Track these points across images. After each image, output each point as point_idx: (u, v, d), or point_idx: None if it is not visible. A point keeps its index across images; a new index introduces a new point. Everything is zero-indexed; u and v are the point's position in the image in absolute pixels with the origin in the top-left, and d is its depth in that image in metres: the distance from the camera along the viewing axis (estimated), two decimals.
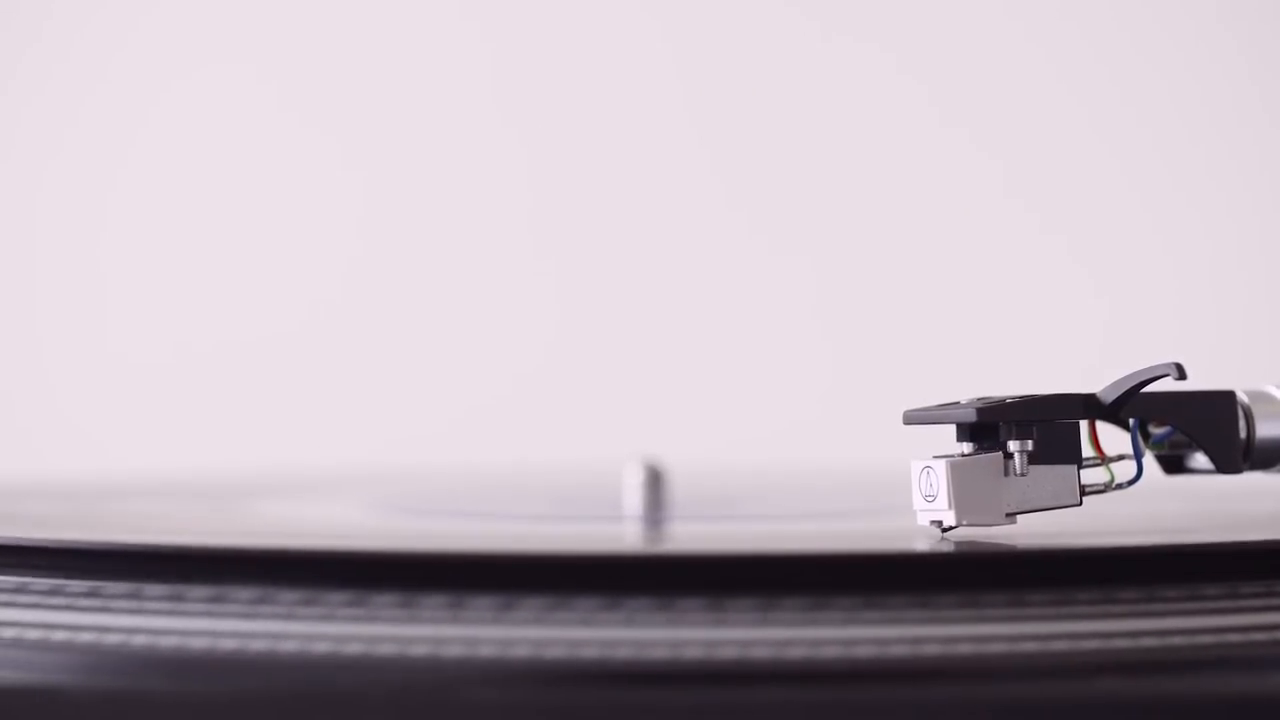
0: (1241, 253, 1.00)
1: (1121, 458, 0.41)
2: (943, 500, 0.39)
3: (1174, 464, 0.43)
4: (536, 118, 1.05)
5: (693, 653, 0.32)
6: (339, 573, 0.36)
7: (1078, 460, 0.40)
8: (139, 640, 0.33)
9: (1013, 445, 0.40)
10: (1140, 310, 1.00)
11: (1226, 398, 0.41)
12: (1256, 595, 0.36)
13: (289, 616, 0.34)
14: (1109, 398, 0.40)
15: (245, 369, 1.04)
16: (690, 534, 0.51)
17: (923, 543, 0.39)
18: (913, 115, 1.03)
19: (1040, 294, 1.01)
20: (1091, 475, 0.40)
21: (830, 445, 0.98)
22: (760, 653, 0.32)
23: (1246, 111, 1.01)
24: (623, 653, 0.32)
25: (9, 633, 0.34)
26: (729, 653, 0.32)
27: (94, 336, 1.05)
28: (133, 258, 1.05)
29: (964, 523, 0.39)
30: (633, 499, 0.56)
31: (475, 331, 1.04)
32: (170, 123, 1.05)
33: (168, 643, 0.33)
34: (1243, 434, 0.41)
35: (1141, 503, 0.49)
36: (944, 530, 0.40)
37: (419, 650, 0.32)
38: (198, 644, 0.33)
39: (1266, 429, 0.41)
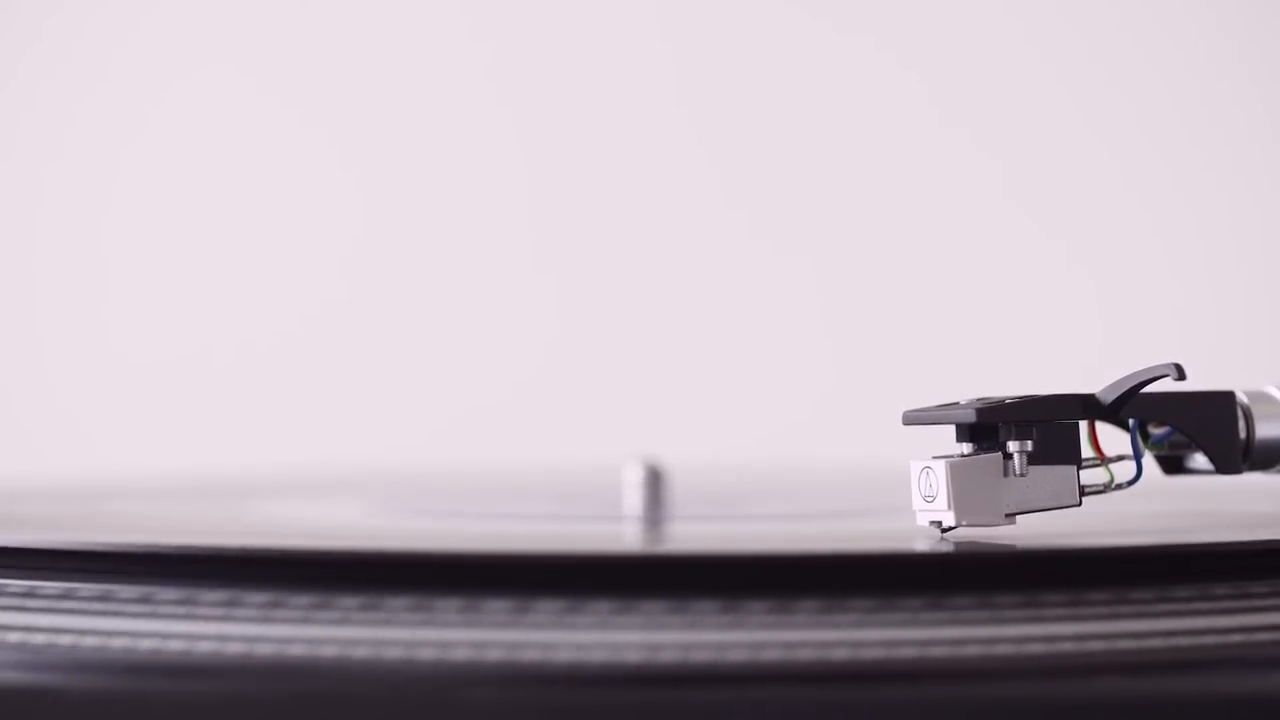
0: (1241, 253, 1.00)
1: (1121, 458, 0.41)
2: (942, 501, 0.39)
3: (1173, 464, 0.43)
4: (535, 118, 1.05)
5: (702, 655, 0.32)
6: (345, 574, 0.36)
7: (1077, 461, 0.40)
8: (139, 642, 0.33)
9: (1012, 446, 0.40)
10: (1139, 311, 1.00)
11: (1226, 398, 0.41)
12: (1256, 595, 0.37)
13: (300, 620, 0.34)
14: (1108, 398, 0.40)
15: (246, 370, 1.04)
16: (695, 534, 0.51)
17: (929, 544, 0.40)
18: (912, 115, 1.03)
19: (1040, 294, 1.01)
20: (1091, 476, 0.40)
21: (830, 445, 0.98)
22: (771, 655, 0.32)
23: (1246, 111, 1.01)
24: (632, 655, 0.32)
25: (10, 635, 0.34)
26: (739, 655, 0.32)
27: (95, 337, 1.05)
28: (134, 258, 1.05)
29: (963, 523, 0.39)
30: (633, 499, 0.56)
31: (475, 331, 1.04)
32: (169, 122, 1.05)
33: (168, 644, 0.33)
34: (1242, 434, 0.41)
35: (1141, 503, 0.49)
36: (943, 531, 0.40)
37: (393, 653, 0.32)
38: (199, 645, 0.33)
39: (1266, 429, 0.41)
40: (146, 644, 0.33)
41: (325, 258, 1.05)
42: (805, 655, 0.32)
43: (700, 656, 0.32)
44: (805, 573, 0.36)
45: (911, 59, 1.03)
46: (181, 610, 0.35)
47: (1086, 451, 0.40)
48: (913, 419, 0.41)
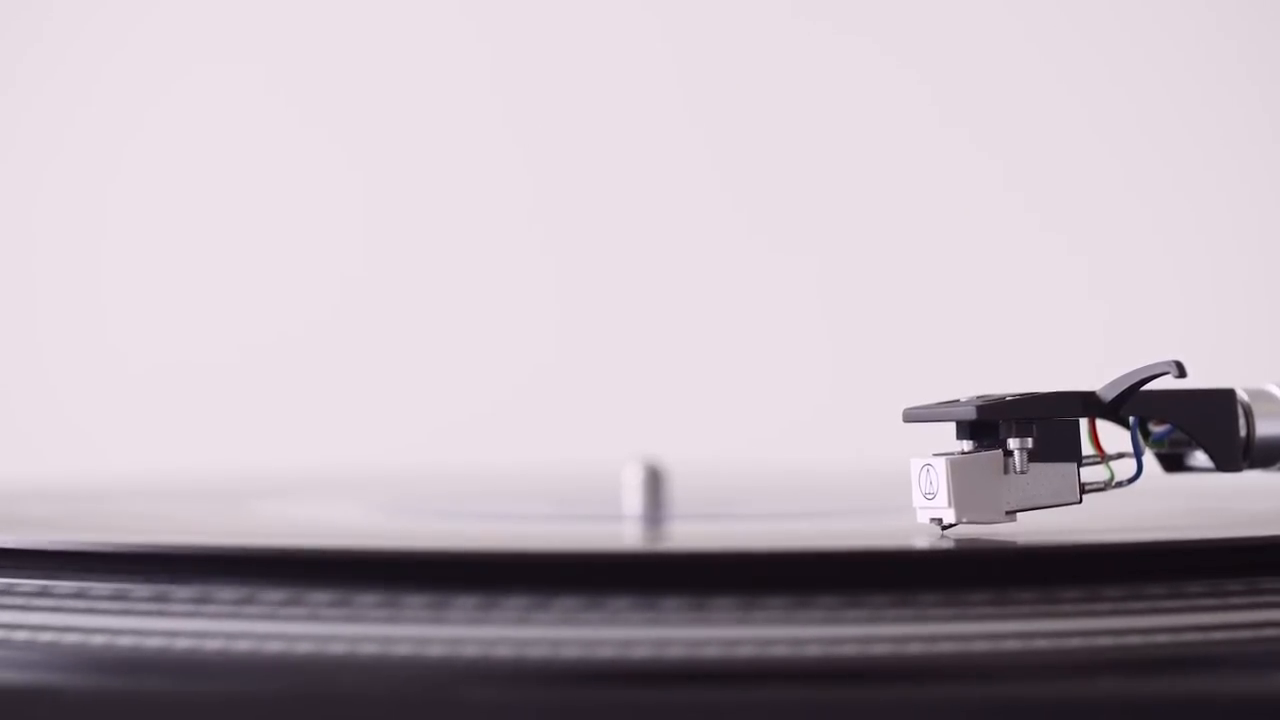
0: (1242, 251, 1.00)
1: (1121, 456, 0.41)
2: (942, 498, 0.39)
3: (1174, 462, 0.43)
4: (535, 118, 1.05)
5: (675, 651, 0.32)
6: (327, 573, 0.36)
7: (1078, 458, 0.40)
8: (140, 641, 0.33)
9: (1013, 443, 0.40)
10: (1140, 308, 1.00)
11: (1226, 396, 0.41)
12: (1254, 593, 0.36)
13: (268, 616, 0.34)
14: (1109, 396, 0.40)
15: (247, 372, 1.04)
16: (675, 532, 0.51)
17: (911, 540, 0.40)
18: (913, 115, 1.03)
19: (1040, 292, 1.01)
20: (1091, 473, 0.40)
21: (830, 444, 0.98)
22: (743, 651, 0.32)
23: (1247, 111, 1.01)
24: (605, 651, 0.32)
25: (9, 634, 0.34)
26: (711, 651, 0.32)
27: (95, 338, 1.05)
28: (134, 259, 1.05)
29: (964, 520, 0.39)
30: (632, 499, 0.56)
31: (475, 332, 1.04)
32: (170, 123, 1.05)
33: (168, 643, 0.33)
34: (1242, 432, 0.41)
35: (1141, 501, 0.49)
36: (944, 528, 0.40)
37: (402, 650, 0.32)
38: (199, 645, 0.33)
39: (1266, 427, 0.41)
40: (151, 642, 0.33)
41: (327, 260, 1.05)
42: (813, 652, 0.32)
43: (710, 653, 0.32)
44: (807, 570, 0.36)
45: (912, 59, 1.03)
46: (185, 609, 0.35)
47: (1087, 449, 0.40)
48: (913, 416, 0.41)
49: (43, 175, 1.05)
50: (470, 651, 0.32)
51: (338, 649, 0.32)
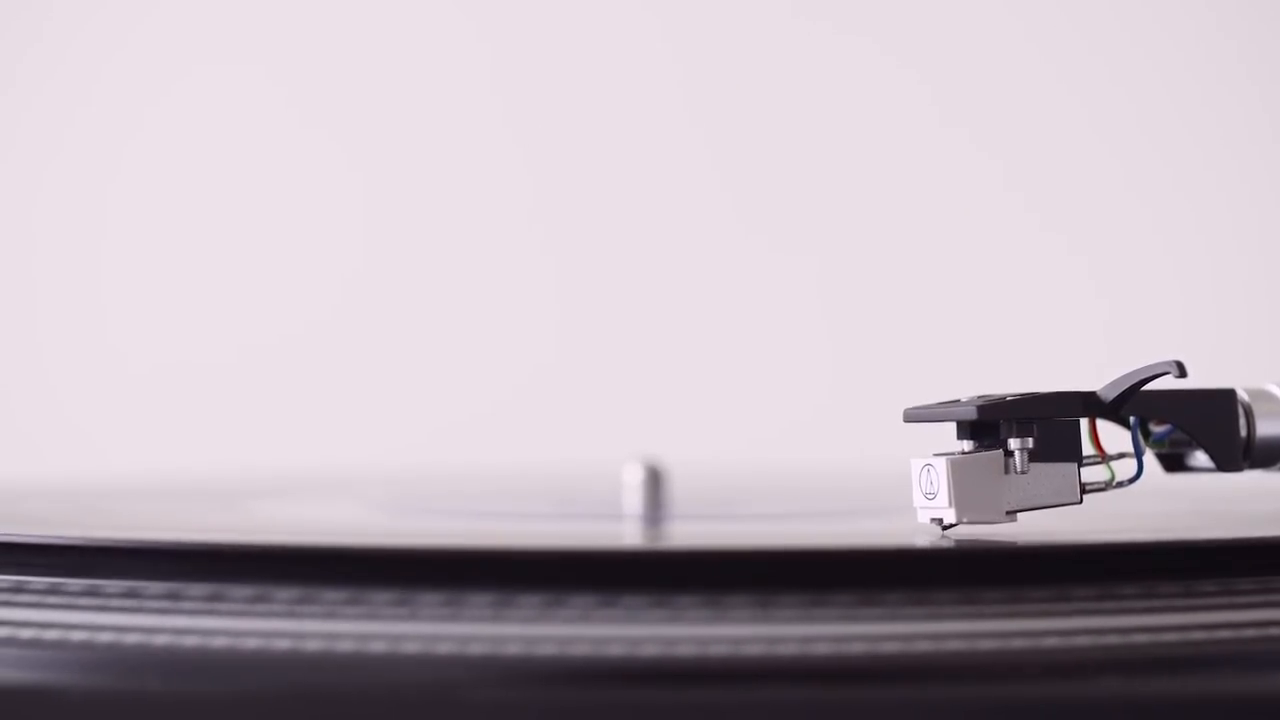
0: (1242, 251, 1.00)
1: (1122, 456, 0.41)
2: (943, 498, 0.39)
3: (1174, 462, 0.43)
4: (535, 118, 1.05)
5: (686, 650, 0.32)
6: (338, 570, 0.36)
7: (1078, 458, 0.40)
8: (139, 640, 0.33)
9: (1013, 443, 0.40)
10: (1141, 308, 1.00)
11: (1227, 396, 0.41)
12: (1254, 592, 0.37)
13: (287, 615, 0.34)
14: (1109, 396, 0.40)
15: (248, 372, 1.04)
16: (686, 532, 0.51)
17: (918, 539, 0.40)
18: (913, 115, 1.03)
19: (1041, 292, 1.01)
20: (1092, 473, 0.40)
21: (830, 444, 0.98)
22: (753, 650, 0.32)
23: (1247, 111, 1.01)
24: (615, 649, 0.32)
25: (9, 632, 0.34)
26: (721, 650, 0.32)
27: (96, 338, 1.05)
28: (135, 259, 1.05)
29: (964, 520, 0.39)
30: (633, 499, 0.56)
31: (475, 332, 1.04)
32: (170, 123, 1.05)
33: (168, 642, 0.33)
34: (1243, 432, 0.41)
35: (1141, 501, 0.49)
36: (944, 528, 0.40)
37: (411, 648, 0.32)
38: (199, 644, 0.33)
39: (1267, 427, 0.41)
40: (139, 640, 0.33)
41: (327, 260, 1.05)
42: (823, 650, 0.32)
43: (720, 651, 0.32)
44: (797, 569, 0.36)
45: (912, 59, 1.03)
46: (182, 608, 0.35)
47: (1087, 449, 0.40)
48: (914, 416, 0.41)
49: (43, 175, 1.05)
50: (481, 650, 0.32)
51: (345, 647, 0.32)
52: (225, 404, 1.03)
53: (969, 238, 1.02)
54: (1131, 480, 0.41)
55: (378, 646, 0.32)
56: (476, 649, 0.32)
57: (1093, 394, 0.40)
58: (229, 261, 1.05)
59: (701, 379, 1.03)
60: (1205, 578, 0.37)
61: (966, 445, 0.40)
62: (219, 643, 0.33)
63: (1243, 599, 0.36)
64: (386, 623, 0.33)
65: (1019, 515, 0.40)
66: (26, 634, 0.34)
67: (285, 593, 0.35)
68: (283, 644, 0.33)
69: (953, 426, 0.40)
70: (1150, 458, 0.42)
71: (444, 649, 0.32)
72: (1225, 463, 0.41)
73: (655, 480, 0.56)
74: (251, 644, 0.33)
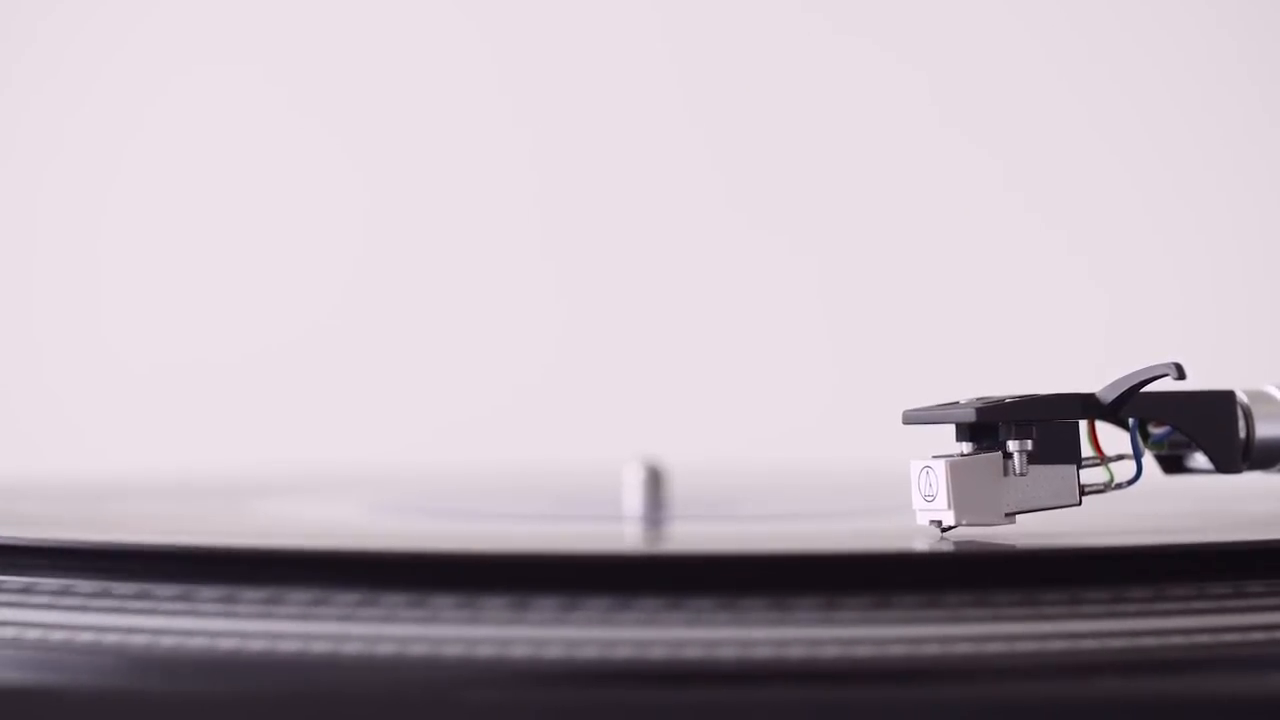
0: (1242, 253, 1.00)
1: (1121, 457, 0.41)
2: (942, 500, 0.39)
3: (1173, 464, 0.43)
4: (537, 118, 1.05)
5: (694, 652, 0.32)
6: (342, 572, 0.36)
7: (1077, 460, 0.40)
8: (139, 640, 0.33)
9: (1012, 445, 0.40)
10: (1140, 310, 1.00)
11: (1226, 398, 0.41)
12: (1255, 595, 0.37)
13: (296, 616, 0.34)
14: (1108, 397, 0.40)
15: (249, 372, 1.04)
16: (691, 534, 0.51)
17: (926, 543, 0.40)
18: (912, 115, 1.03)
19: (1040, 294, 1.01)
20: (1091, 475, 0.40)
21: (830, 445, 0.98)
22: (763, 652, 0.32)
23: (1247, 111, 1.01)
24: (624, 652, 0.32)
25: (9, 633, 0.34)
26: (731, 652, 0.32)
27: (96, 338, 1.05)
28: (135, 259, 1.05)
29: (963, 522, 0.39)
30: (633, 499, 0.56)
31: (476, 332, 1.04)
32: (171, 122, 1.05)
33: (169, 643, 0.33)
34: (1242, 434, 0.41)
35: (1140, 503, 0.49)
36: (943, 530, 0.40)
37: (420, 649, 0.32)
38: (199, 644, 0.33)
39: (1266, 429, 0.41)
40: (142, 640, 0.33)
41: (327, 262, 1.05)
42: (828, 652, 0.32)
43: (725, 653, 0.32)
44: (808, 571, 0.36)
45: (913, 58, 1.03)
46: (183, 608, 0.35)
47: (1086, 451, 0.40)
48: (912, 418, 0.41)
49: (43, 174, 1.05)
50: (452, 651, 0.32)
51: (351, 649, 0.32)
52: (225, 404, 1.03)
53: (969, 238, 1.02)
54: (1131, 482, 0.41)
55: (385, 649, 0.32)
56: (485, 651, 0.32)
57: (1092, 396, 0.40)
58: (230, 261, 1.05)
59: (702, 379, 1.03)
60: (1211, 580, 0.37)
61: (965, 447, 0.40)
62: (227, 644, 0.33)
63: (1248, 601, 0.36)
64: (402, 625, 0.33)
65: (1018, 517, 0.40)
66: (30, 634, 0.34)
67: (264, 593, 0.35)
68: (290, 645, 0.33)
69: (952, 428, 0.40)
70: (1149, 459, 0.42)
71: (452, 651, 0.32)
72: (1224, 464, 0.41)
73: (655, 480, 0.56)
74: (258, 645, 0.33)
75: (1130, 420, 0.41)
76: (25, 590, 0.37)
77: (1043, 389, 0.40)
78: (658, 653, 0.32)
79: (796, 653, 0.32)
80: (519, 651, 0.32)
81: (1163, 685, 0.32)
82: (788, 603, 0.34)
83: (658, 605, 0.34)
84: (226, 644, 0.33)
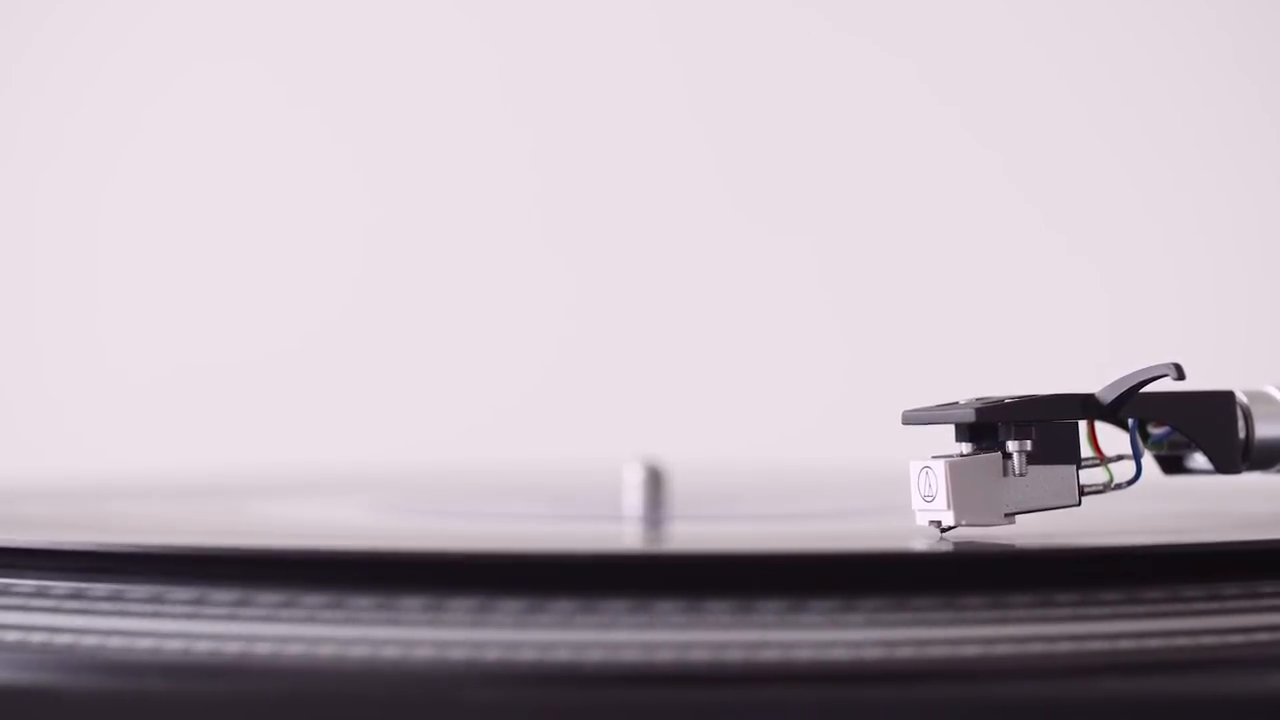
0: (1242, 251, 1.00)
1: (1120, 458, 0.41)
2: (941, 500, 0.39)
3: (1173, 464, 0.43)
4: (538, 119, 1.05)
5: (665, 655, 0.32)
6: (355, 574, 0.36)
7: (1077, 460, 0.40)
8: (139, 641, 0.33)
9: (1011, 445, 0.40)
10: (1140, 310, 1.00)
11: (1225, 398, 0.41)
12: (1255, 596, 0.37)
13: (274, 619, 0.34)
14: (1108, 398, 0.40)
15: (247, 373, 1.04)
16: (691, 534, 0.51)
17: (907, 543, 0.40)
18: (913, 115, 1.03)
19: (1040, 294, 1.01)
20: (1090, 475, 0.40)
21: (830, 445, 0.98)
22: (733, 655, 0.32)
23: (1248, 110, 1.01)
24: (595, 654, 0.32)
25: (9, 634, 0.34)
26: (702, 655, 0.32)
27: (97, 339, 1.05)
28: (136, 259, 1.05)
29: (963, 523, 0.39)
30: (633, 499, 0.56)
31: (476, 332, 1.04)
32: (171, 123, 1.05)
33: (169, 644, 0.33)
34: (1241, 434, 0.41)
35: (1140, 503, 0.49)
36: (943, 530, 0.40)
37: (391, 652, 0.32)
38: (199, 645, 0.33)
39: (1265, 429, 0.41)
40: (145, 643, 0.33)
41: (328, 264, 1.05)
42: (831, 655, 0.32)
43: (734, 656, 0.32)
44: (825, 571, 0.36)
45: (914, 58, 1.03)
46: (186, 610, 0.35)
47: (1086, 451, 0.40)
48: (912, 419, 0.41)
49: (41, 176, 1.05)
50: (422, 654, 0.32)
51: (359, 652, 0.32)
52: (225, 406, 1.03)
53: (969, 239, 1.02)
54: (1130, 482, 0.41)
55: (392, 651, 0.32)
56: (455, 654, 0.32)
57: (1091, 396, 0.40)
58: (231, 264, 1.05)
59: (702, 379, 1.03)
60: (1203, 581, 0.37)
61: (965, 447, 0.40)
62: (236, 648, 0.33)
63: (1242, 602, 0.36)
64: (418, 628, 0.33)
65: (1017, 518, 0.40)
66: (13, 636, 0.34)
67: (267, 596, 0.35)
68: (296, 649, 0.33)
69: (951, 428, 0.40)
70: (1149, 460, 0.42)
71: (460, 654, 0.32)
72: (1224, 465, 0.41)
73: (655, 480, 0.56)
74: (247, 648, 0.33)
75: (1130, 421, 0.41)
76: (36, 594, 0.37)
77: (1042, 389, 0.40)
78: (667, 655, 0.32)
79: (805, 654, 0.32)
80: (526, 655, 0.32)
81: (1168, 686, 0.32)
82: (802, 605, 0.34)
83: (670, 608, 0.34)
84: (234, 648, 0.33)
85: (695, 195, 1.03)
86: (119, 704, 0.32)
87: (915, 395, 0.46)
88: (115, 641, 0.33)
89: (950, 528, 0.40)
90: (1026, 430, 0.40)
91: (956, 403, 0.41)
